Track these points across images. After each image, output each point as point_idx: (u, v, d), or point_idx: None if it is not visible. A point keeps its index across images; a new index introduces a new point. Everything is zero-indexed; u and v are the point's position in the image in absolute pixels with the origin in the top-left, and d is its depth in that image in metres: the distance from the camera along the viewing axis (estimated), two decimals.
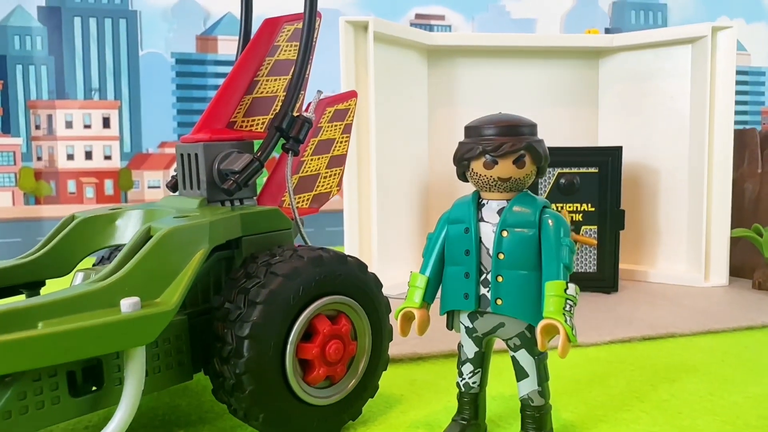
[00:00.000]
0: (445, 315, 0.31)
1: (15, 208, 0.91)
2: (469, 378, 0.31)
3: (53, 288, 0.36)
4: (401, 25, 0.68)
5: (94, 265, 0.41)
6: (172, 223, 0.30)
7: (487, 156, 0.28)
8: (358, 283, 0.33)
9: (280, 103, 0.39)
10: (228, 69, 0.98)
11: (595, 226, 0.62)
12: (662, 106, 0.67)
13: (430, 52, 0.68)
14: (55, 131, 0.91)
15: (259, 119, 0.39)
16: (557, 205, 0.62)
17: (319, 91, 0.39)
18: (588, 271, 0.63)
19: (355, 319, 0.33)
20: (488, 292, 0.29)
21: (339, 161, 0.44)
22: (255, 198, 0.37)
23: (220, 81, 0.96)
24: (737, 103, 0.65)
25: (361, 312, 0.33)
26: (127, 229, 0.35)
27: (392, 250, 0.63)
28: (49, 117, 0.91)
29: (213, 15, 0.95)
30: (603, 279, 0.62)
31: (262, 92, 0.39)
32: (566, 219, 0.62)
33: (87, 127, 0.92)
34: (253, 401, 0.29)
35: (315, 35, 0.38)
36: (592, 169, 0.62)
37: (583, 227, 0.62)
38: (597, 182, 0.62)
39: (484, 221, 0.29)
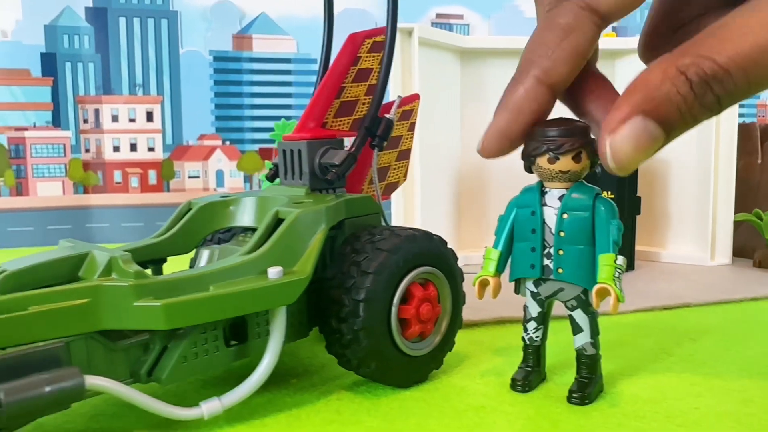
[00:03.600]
0: (513, 283, 0.38)
1: (65, 197, 0.97)
2: (533, 333, 0.38)
3: (174, 265, 0.43)
4: (440, 30, 0.75)
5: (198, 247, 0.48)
6: (297, 208, 0.37)
7: (551, 153, 0.33)
8: (441, 256, 0.40)
9: (361, 106, 0.46)
10: (262, 65, 1.04)
11: None
12: None
13: (462, 53, 0.75)
14: (102, 125, 0.97)
15: (345, 119, 0.45)
16: None
17: (399, 96, 0.46)
18: None
19: (439, 285, 0.40)
20: (551, 263, 0.35)
21: (405, 155, 0.51)
22: (344, 187, 0.44)
23: (255, 77, 1.03)
24: None
25: (443, 280, 0.40)
26: (244, 214, 0.42)
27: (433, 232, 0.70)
28: (96, 111, 0.97)
29: (248, 15, 1.01)
30: None
31: (347, 96, 0.45)
32: None
33: (132, 120, 0.98)
34: (367, 353, 0.36)
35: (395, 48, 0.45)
36: None
37: None
38: None
39: (546, 206, 0.35)
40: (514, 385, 0.38)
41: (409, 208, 0.68)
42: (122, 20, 0.97)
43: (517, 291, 0.38)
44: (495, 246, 0.37)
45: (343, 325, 0.36)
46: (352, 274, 0.37)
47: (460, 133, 0.76)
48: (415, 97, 0.51)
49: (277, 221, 0.37)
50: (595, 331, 0.37)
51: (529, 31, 0.32)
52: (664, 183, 0.76)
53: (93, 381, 0.29)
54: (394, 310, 0.37)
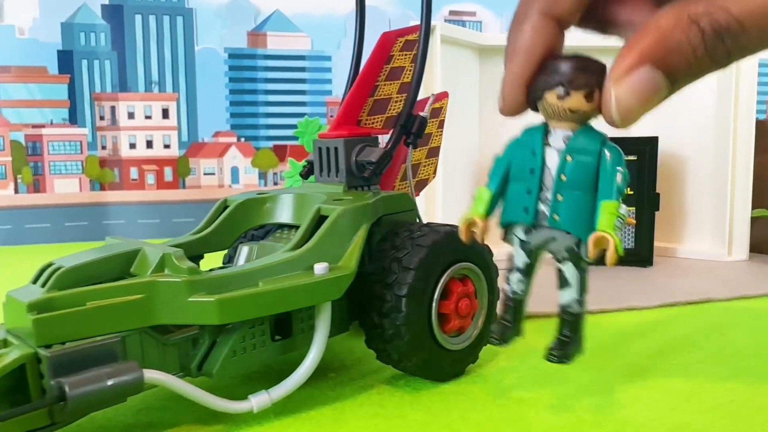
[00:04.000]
0: (502, 230, 0.34)
1: (82, 194, 0.97)
2: (516, 285, 0.35)
3: (210, 261, 0.43)
4: (459, 27, 0.75)
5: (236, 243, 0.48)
6: (339, 205, 0.38)
7: (561, 87, 0.29)
8: (478, 252, 0.41)
9: (393, 104, 0.46)
10: (276, 63, 1.04)
11: (633, 208, 0.70)
12: (690, 100, 0.75)
13: (481, 50, 0.76)
14: (118, 122, 0.98)
15: (378, 117, 0.46)
16: None
17: (433, 94, 0.46)
18: (626, 247, 0.71)
19: (476, 281, 0.41)
20: (547, 208, 0.31)
21: (435, 152, 0.51)
22: (378, 184, 0.45)
23: (270, 74, 1.03)
24: None
25: (480, 275, 0.41)
26: (282, 211, 0.42)
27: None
28: (113, 108, 0.97)
29: (262, 12, 1.01)
30: (640, 254, 0.70)
31: (380, 95, 0.46)
32: None
33: (147, 117, 0.98)
34: (409, 347, 0.37)
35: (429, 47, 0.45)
36: (631, 157, 0.69)
37: None
38: (635, 169, 0.69)
39: (549, 146, 0.31)
40: (490, 338, 0.35)
41: (430, 204, 0.69)
42: (138, 18, 0.97)
43: (504, 238, 0.35)
44: (488, 186, 0.33)
45: (385, 320, 0.37)
46: (393, 270, 0.37)
47: (478, 130, 0.77)
48: (444, 95, 0.51)
49: (320, 218, 0.38)
50: (583, 288, 0.34)
51: None
52: (682, 179, 0.76)
53: (151, 375, 0.30)
54: (434, 305, 0.38)
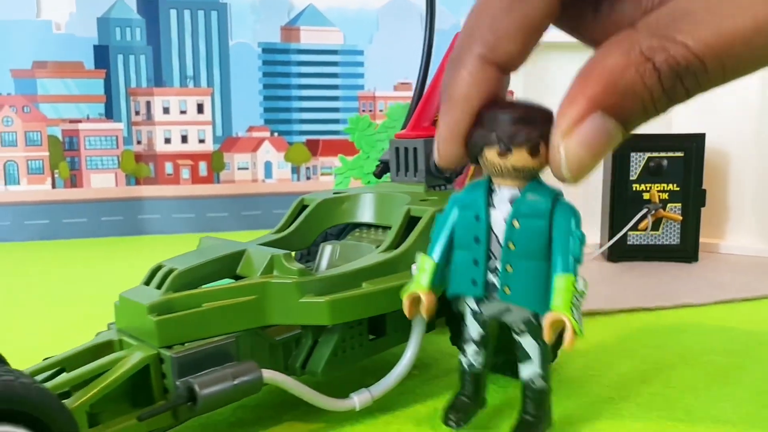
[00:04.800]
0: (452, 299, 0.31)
1: (117, 189, 0.98)
2: (473, 358, 0.32)
3: None
4: None
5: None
6: (429, 206, 0.38)
7: (501, 144, 0.25)
8: None
9: None
10: (310, 57, 1.04)
11: (680, 204, 0.71)
12: (733, 95, 0.75)
13: None
14: (154, 117, 0.98)
15: None
16: (647, 185, 0.70)
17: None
18: (672, 243, 0.71)
19: None
20: (497, 280, 0.28)
21: None
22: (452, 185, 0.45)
23: (303, 69, 1.04)
24: None
25: None
26: (363, 211, 0.43)
27: None
28: (148, 103, 0.98)
29: (296, 7, 1.01)
30: (685, 250, 0.71)
31: None
32: (655, 198, 0.70)
33: (182, 112, 0.99)
34: (498, 346, 0.38)
35: None
36: (678, 153, 0.70)
37: (669, 204, 0.71)
38: (682, 165, 0.70)
39: (494, 208, 0.28)
40: (446, 419, 0.32)
41: None
42: (173, 12, 0.97)
43: (456, 307, 0.32)
44: (429, 253, 0.30)
45: None
46: None
47: None
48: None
49: (410, 219, 0.38)
50: (545, 361, 0.31)
51: None
52: (724, 174, 0.77)
53: (268, 375, 0.31)
54: None
